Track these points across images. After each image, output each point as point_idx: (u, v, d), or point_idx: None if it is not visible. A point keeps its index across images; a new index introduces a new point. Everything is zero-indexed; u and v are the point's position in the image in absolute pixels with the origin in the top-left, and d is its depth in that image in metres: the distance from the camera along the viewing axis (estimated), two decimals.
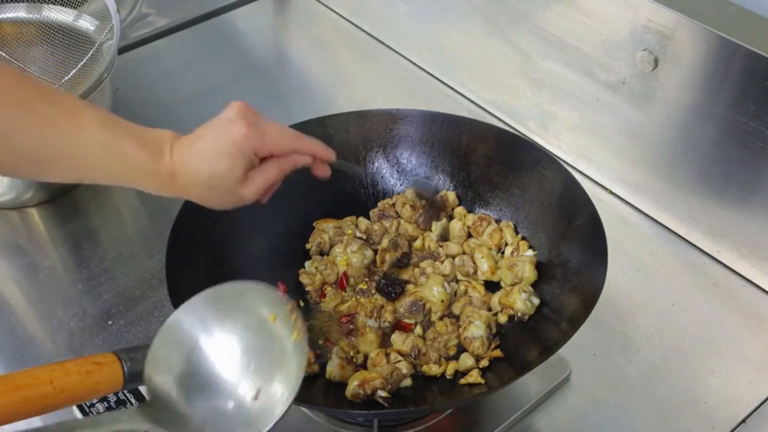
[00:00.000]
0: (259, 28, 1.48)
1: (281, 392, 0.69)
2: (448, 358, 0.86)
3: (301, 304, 0.92)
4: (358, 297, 0.92)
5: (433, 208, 0.96)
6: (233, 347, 0.70)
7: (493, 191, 0.98)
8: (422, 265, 0.94)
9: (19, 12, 1.15)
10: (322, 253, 0.96)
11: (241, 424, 0.68)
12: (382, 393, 0.79)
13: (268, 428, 0.67)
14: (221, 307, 0.71)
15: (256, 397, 0.69)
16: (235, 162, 0.74)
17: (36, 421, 0.85)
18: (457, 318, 0.89)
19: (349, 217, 0.99)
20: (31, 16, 1.15)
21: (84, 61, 1.12)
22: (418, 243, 0.97)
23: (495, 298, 0.89)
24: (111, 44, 1.08)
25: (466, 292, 0.91)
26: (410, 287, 0.92)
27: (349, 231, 0.97)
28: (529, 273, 0.89)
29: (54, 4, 1.15)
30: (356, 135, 1.00)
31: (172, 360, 0.69)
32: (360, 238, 0.96)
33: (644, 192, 1.10)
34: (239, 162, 0.74)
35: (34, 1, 1.15)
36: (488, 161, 0.98)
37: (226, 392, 0.69)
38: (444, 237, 0.97)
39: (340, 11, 1.47)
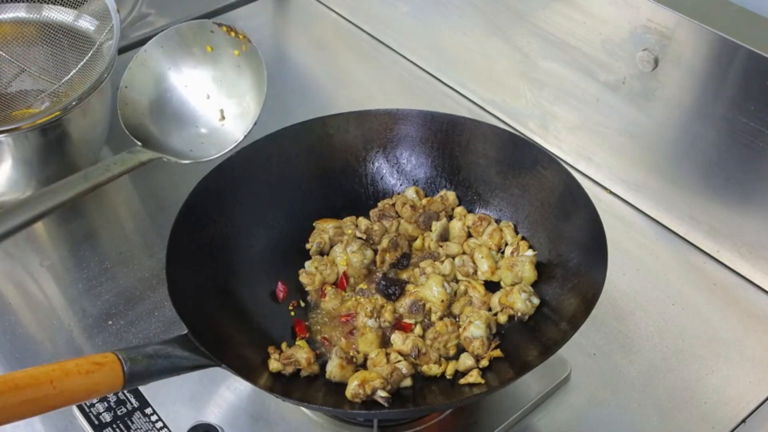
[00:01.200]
0: (259, 28, 1.48)
1: (246, 108, 0.78)
2: (448, 358, 0.86)
3: (302, 304, 0.93)
4: (358, 297, 0.92)
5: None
6: (195, 77, 0.80)
7: (493, 191, 0.98)
8: (422, 265, 0.94)
9: (19, 12, 1.15)
10: (322, 253, 0.96)
11: (218, 143, 0.78)
12: (382, 393, 0.79)
13: (241, 138, 0.78)
14: (176, 45, 0.81)
15: (222, 118, 0.79)
16: None
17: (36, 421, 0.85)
18: (457, 318, 0.89)
19: (349, 217, 0.99)
20: (31, 16, 1.15)
21: (84, 61, 1.11)
22: (418, 243, 0.97)
23: (495, 298, 0.89)
24: (111, 44, 1.07)
25: (466, 292, 0.91)
26: (410, 287, 0.92)
27: (349, 231, 0.97)
28: (529, 273, 0.89)
29: (54, 4, 1.15)
30: (356, 135, 1.00)
31: (145, 88, 0.79)
32: (360, 238, 0.96)
33: (644, 192, 1.10)
34: None
35: (34, 1, 1.15)
36: (488, 161, 0.98)
37: (193, 119, 0.79)
38: (444, 237, 0.97)
39: (340, 11, 1.47)
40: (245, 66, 0.80)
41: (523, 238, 0.94)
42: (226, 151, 0.79)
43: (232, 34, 0.80)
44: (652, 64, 1.00)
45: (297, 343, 0.87)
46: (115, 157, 0.76)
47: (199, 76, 0.82)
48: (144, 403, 0.88)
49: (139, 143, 0.76)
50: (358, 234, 0.96)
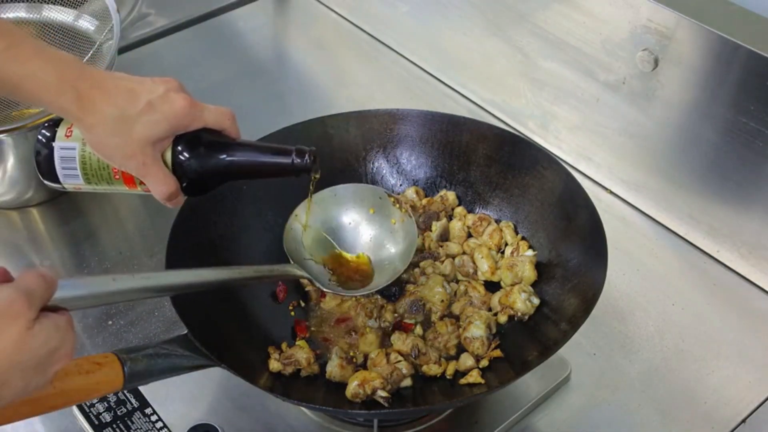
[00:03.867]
0: (259, 28, 1.48)
1: (389, 263, 0.91)
2: (448, 358, 0.86)
3: (302, 304, 0.93)
4: (358, 297, 0.91)
5: None
6: (351, 228, 0.93)
7: (493, 191, 0.98)
8: (422, 265, 0.94)
9: (19, 12, 1.15)
10: None
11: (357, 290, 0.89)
12: (382, 393, 0.79)
13: (380, 288, 0.89)
14: (350, 197, 0.93)
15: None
16: (163, 125, 0.73)
17: (36, 421, 0.85)
18: (457, 318, 0.89)
19: None
20: (31, 16, 1.15)
21: (84, 61, 1.11)
22: (418, 243, 0.97)
23: (495, 298, 0.89)
24: (111, 44, 1.08)
25: (466, 292, 0.91)
26: (410, 287, 0.91)
27: None
28: (529, 273, 0.89)
29: (54, 4, 1.15)
30: (356, 135, 1.00)
31: (312, 222, 0.91)
32: None
33: (644, 192, 1.10)
34: (165, 127, 0.73)
35: (34, 1, 1.15)
36: (488, 161, 0.98)
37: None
38: (444, 237, 0.97)
39: (340, 11, 1.47)
40: (399, 235, 0.92)
41: (523, 238, 0.94)
42: (362, 292, 0.89)
43: (396, 205, 0.92)
44: (652, 64, 1.00)
45: (297, 343, 0.87)
46: (272, 266, 0.88)
47: (360, 231, 0.93)
48: (144, 403, 0.88)
49: (292, 262, 0.88)
50: None
